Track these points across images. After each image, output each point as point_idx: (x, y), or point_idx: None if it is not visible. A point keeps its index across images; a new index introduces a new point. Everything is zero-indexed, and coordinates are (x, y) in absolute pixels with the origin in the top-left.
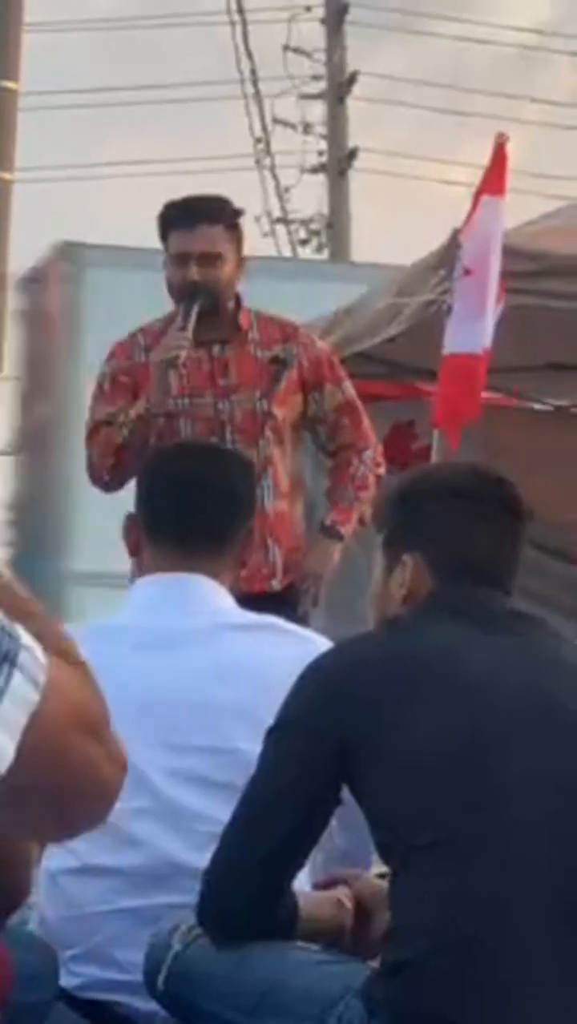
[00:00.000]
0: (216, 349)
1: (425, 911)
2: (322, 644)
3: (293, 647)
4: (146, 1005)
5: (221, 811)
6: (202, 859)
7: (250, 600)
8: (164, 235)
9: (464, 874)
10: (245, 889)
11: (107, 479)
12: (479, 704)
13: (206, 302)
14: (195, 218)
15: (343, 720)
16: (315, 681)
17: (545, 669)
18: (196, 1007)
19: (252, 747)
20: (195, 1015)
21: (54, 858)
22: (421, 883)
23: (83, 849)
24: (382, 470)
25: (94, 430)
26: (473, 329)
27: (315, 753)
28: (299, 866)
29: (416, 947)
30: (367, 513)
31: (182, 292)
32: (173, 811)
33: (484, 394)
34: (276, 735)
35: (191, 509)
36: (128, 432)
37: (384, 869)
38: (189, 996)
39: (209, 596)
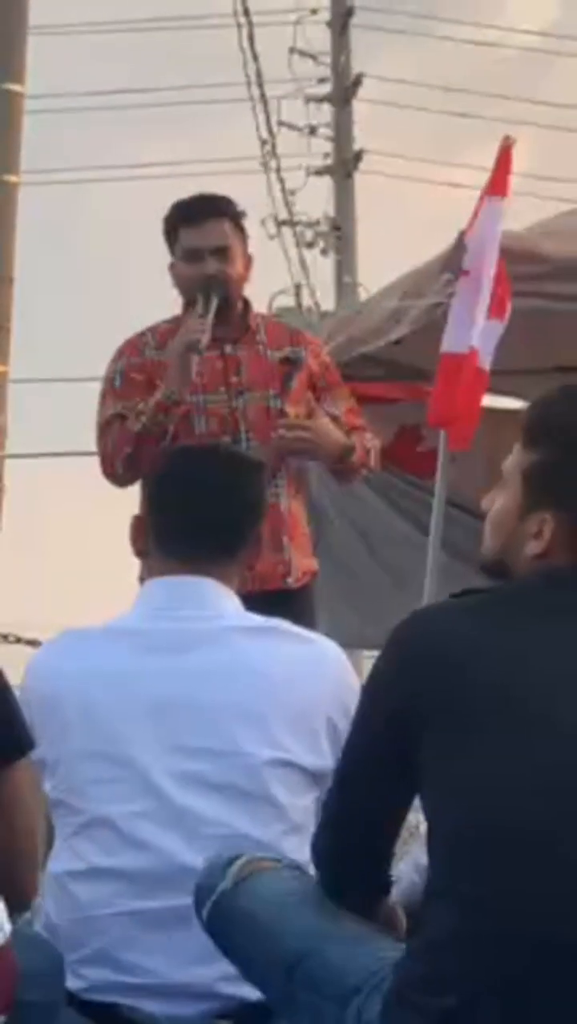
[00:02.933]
0: (228, 348)
1: (459, 965)
2: (328, 646)
3: (298, 650)
4: (152, 1008)
5: (226, 814)
6: None
7: (265, 598)
8: (172, 234)
9: (504, 940)
10: (340, 853)
11: (121, 471)
12: (567, 745)
13: (222, 295)
14: (206, 214)
15: (416, 708)
16: (404, 645)
17: None
18: (234, 947)
19: (257, 750)
20: (231, 953)
21: (59, 861)
22: (462, 930)
23: (88, 852)
24: (374, 464)
25: (107, 425)
26: (463, 328)
27: (388, 724)
28: (396, 828)
29: (447, 1002)
30: (359, 471)
31: (199, 286)
32: (178, 814)
33: (489, 397)
34: (365, 691)
35: (200, 517)
36: (147, 420)
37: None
38: (229, 934)
39: (217, 599)
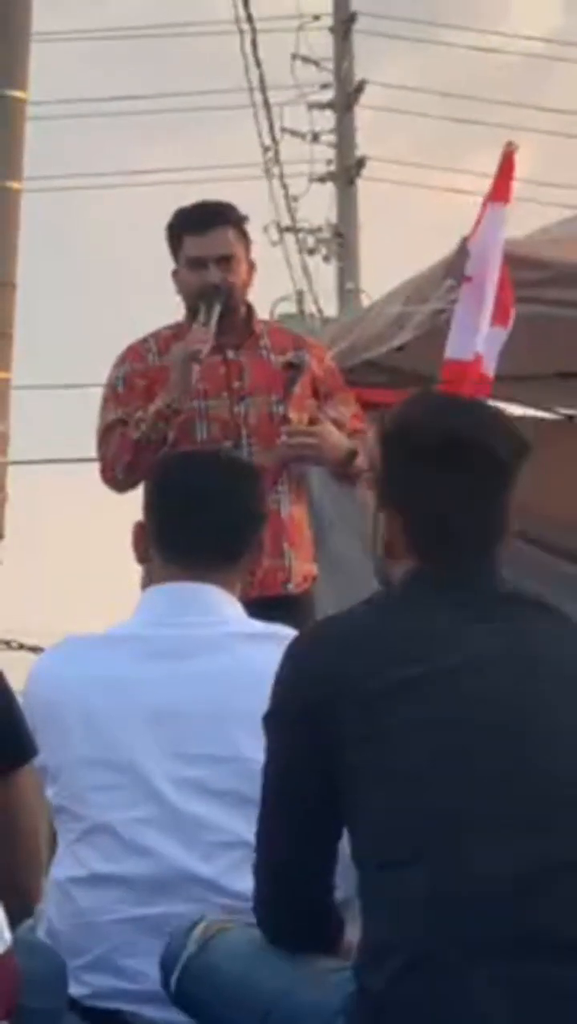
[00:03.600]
0: (230, 353)
1: (397, 929)
2: None
3: None
4: (154, 1014)
5: (227, 820)
6: (208, 868)
7: (265, 604)
8: (176, 241)
9: (432, 889)
10: (280, 886)
11: (120, 477)
12: (460, 709)
13: (224, 302)
14: (209, 222)
15: (319, 711)
16: (294, 665)
17: (534, 665)
18: (208, 1008)
19: (256, 755)
20: (206, 1017)
21: (62, 867)
22: (394, 898)
23: (90, 858)
24: None
25: (108, 430)
26: (467, 335)
27: (298, 741)
28: (328, 852)
29: (389, 968)
30: (362, 475)
31: (202, 294)
32: (180, 820)
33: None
34: (267, 723)
35: (200, 523)
36: (147, 428)
37: None
38: (201, 997)
39: (218, 605)
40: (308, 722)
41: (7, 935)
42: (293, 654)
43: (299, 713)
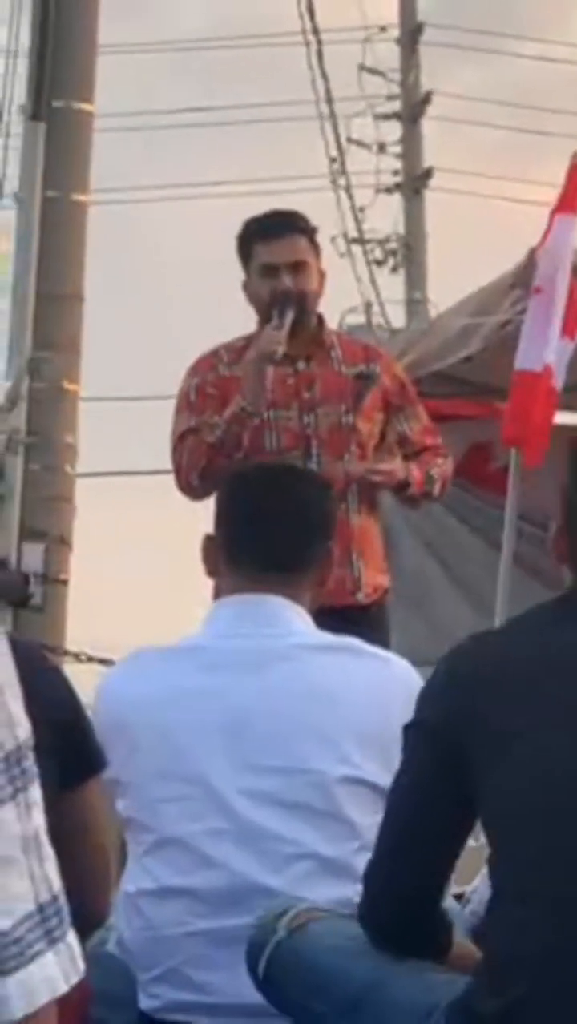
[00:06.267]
0: (300, 364)
1: (526, 954)
2: (399, 665)
3: (369, 668)
4: None
5: (297, 832)
6: (278, 880)
7: (334, 615)
8: (247, 250)
9: (562, 920)
10: (395, 894)
11: (196, 484)
12: None
13: (297, 309)
14: (281, 229)
15: (463, 722)
16: (443, 676)
17: None
18: (292, 997)
19: (326, 767)
20: (290, 1005)
21: (132, 880)
22: (525, 924)
23: (161, 871)
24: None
25: (181, 438)
26: (537, 346)
27: (435, 752)
28: (447, 866)
29: (511, 994)
30: (418, 500)
31: (274, 300)
32: (250, 832)
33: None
34: (409, 731)
35: (269, 537)
36: (221, 432)
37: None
38: (286, 985)
39: (288, 617)
40: (448, 737)
41: (81, 964)
42: (444, 667)
43: (440, 725)
